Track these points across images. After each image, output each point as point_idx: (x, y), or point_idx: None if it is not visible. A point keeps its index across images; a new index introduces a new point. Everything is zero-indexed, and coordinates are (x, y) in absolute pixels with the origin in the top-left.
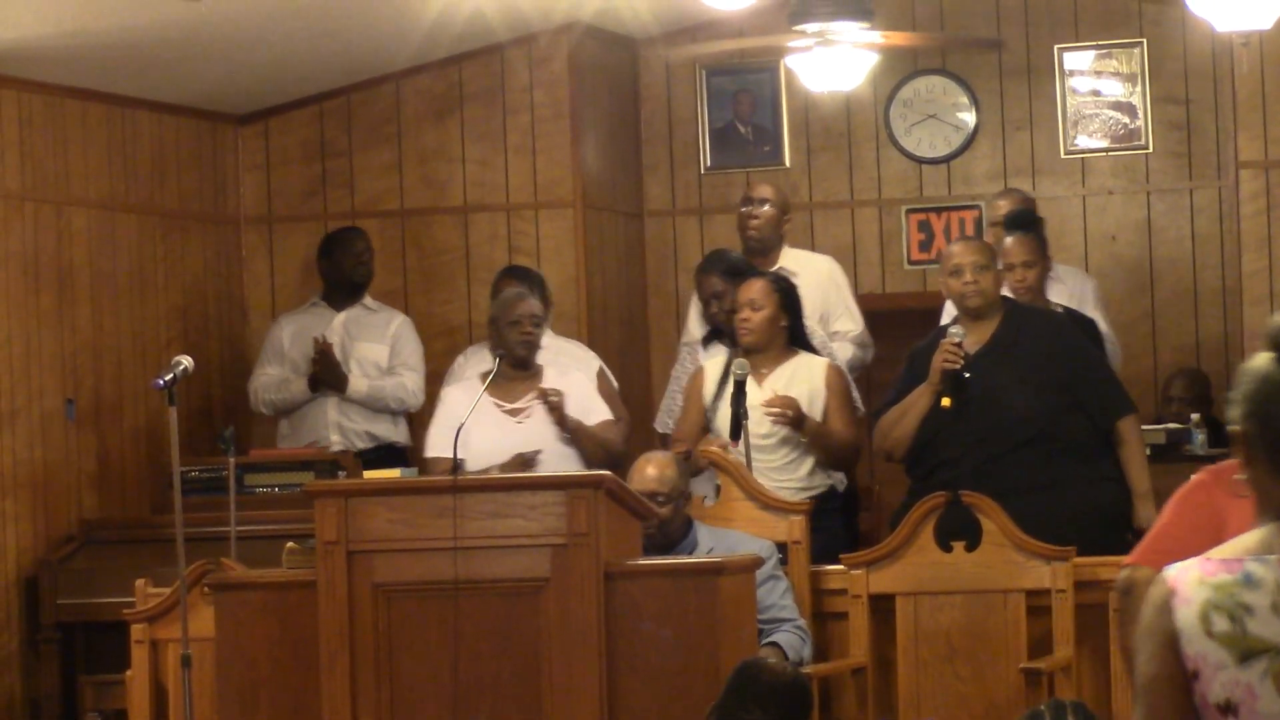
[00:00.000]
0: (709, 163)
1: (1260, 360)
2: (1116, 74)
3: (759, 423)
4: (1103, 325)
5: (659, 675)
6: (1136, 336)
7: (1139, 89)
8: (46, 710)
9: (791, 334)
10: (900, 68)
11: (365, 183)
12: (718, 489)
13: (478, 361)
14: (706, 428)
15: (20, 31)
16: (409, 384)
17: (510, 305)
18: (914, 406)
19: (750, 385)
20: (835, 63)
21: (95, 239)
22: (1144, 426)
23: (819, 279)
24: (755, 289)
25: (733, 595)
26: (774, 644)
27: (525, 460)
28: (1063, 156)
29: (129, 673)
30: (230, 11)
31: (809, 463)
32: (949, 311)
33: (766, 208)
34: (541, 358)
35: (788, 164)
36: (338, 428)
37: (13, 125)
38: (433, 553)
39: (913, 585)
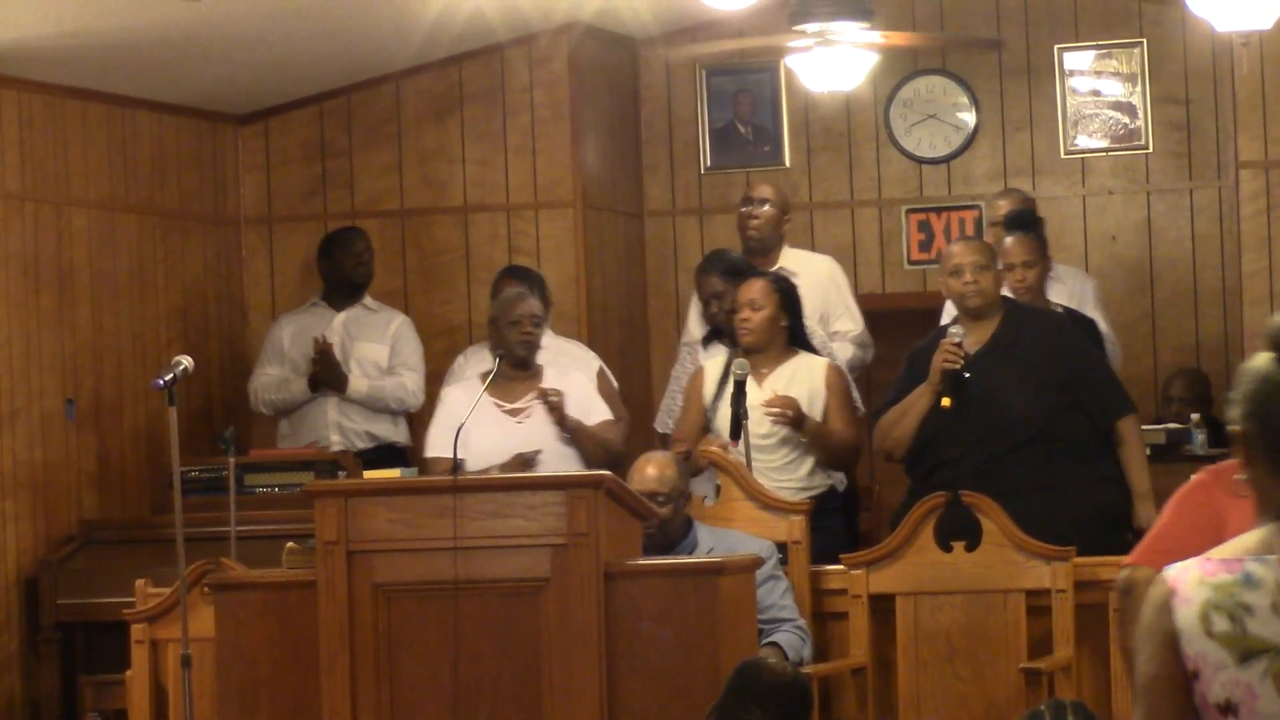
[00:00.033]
0: (709, 163)
1: (1260, 360)
2: (1116, 74)
3: (759, 422)
4: (1103, 325)
5: (659, 675)
6: (1136, 336)
7: (1139, 89)
8: (46, 710)
9: (792, 334)
10: (900, 68)
11: (365, 183)
12: (718, 489)
13: (478, 362)
14: (707, 428)
15: (20, 31)
16: (409, 384)
17: (510, 305)
18: (914, 406)
19: (750, 385)
20: (835, 63)
21: (95, 239)
22: (1144, 426)
23: (819, 279)
24: (755, 289)
25: (733, 595)
26: (774, 644)
27: (525, 460)
28: (1063, 157)
29: (129, 673)
30: (230, 11)
31: (809, 463)
32: (949, 311)
33: (766, 207)
34: (542, 358)
35: (788, 164)
36: (338, 428)
37: (13, 125)
38: (433, 553)
39: (913, 585)
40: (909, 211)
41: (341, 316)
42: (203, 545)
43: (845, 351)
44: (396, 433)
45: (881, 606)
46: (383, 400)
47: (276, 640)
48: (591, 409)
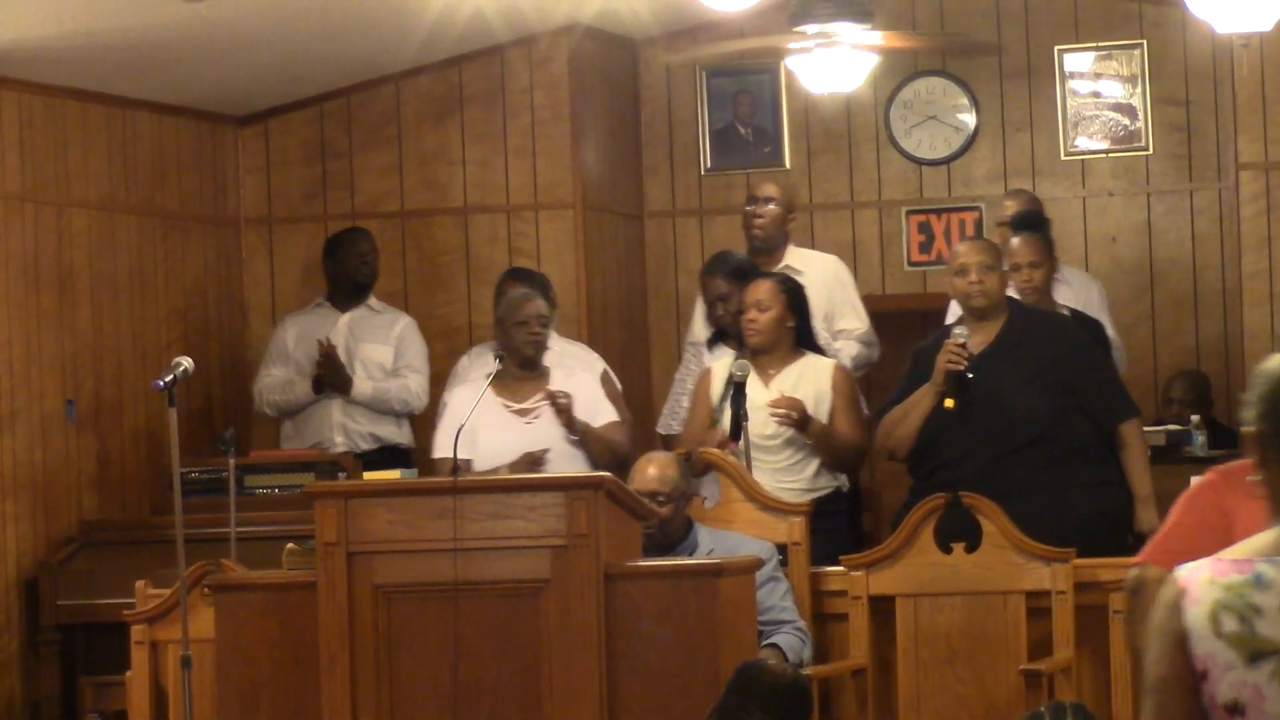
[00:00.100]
0: (709, 164)
1: (1274, 361)
2: (1117, 75)
3: (764, 423)
4: (1109, 329)
5: (659, 677)
6: (1137, 338)
7: (1139, 90)
8: (46, 711)
9: (799, 335)
10: (900, 69)
11: (365, 184)
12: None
13: (482, 363)
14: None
15: (20, 32)
16: (413, 386)
17: (517, 306)
18: (917, 406)
19: (758, 386)
20: (835, 64)
21: (95, 240)
22: (1144, 428)
23: (824, 278)
24: (762, 290)
25: (733, 597)
26: (774, 645)
27: (534, 459)
28: (1063, 158)
29: (129, 674)
30: (230, 13)
31: (815, 464)
32: (954, 311)
33: (771, 206)
34: (547, 359)
35: (788, 165)
36: (342, 429)
37: (13, 126)
38: (433, 554)
39: (913, 587)
40: (909, 213)
41: (346, 318)
42: (203, 546)
43: (850, 350)
44: (400, 434)
45: (881, 608)
46: (387, 402)
47: (276, 641)
48: (598, 410)
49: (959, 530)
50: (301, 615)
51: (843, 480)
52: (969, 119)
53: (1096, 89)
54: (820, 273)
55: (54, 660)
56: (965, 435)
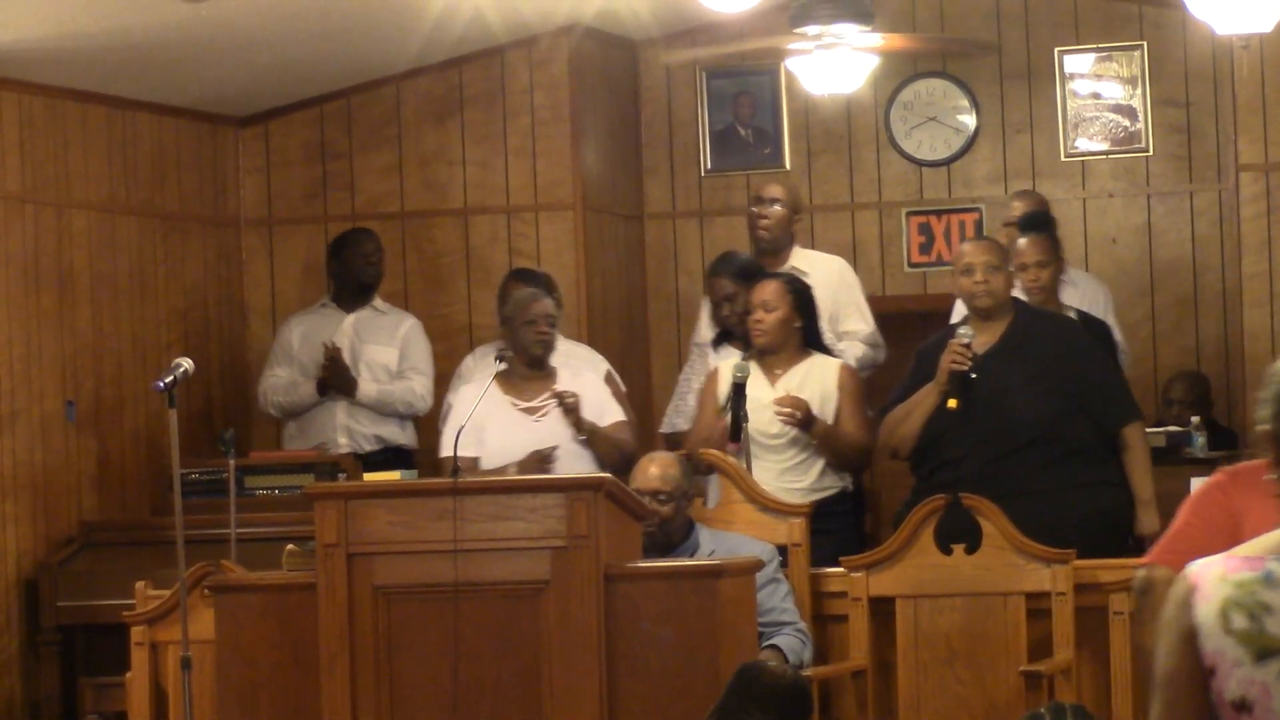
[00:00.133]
0: (709, 165)
1: None
2: (1117, 77)
3: (770, 423)
4: (1116, 332)
5: (659, 678)
6: (1137, 339)
7: (1139, 92)
8: (46, 712)
9: (805, 335)
10: (900, 70)
11: (366, 185)
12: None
13: (486, 364)
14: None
15: (20, 33)
16: (417, 388)
17: (526, 305)
18: (920, 405)
19: (764, 386)
20: (835, 65)
21: (95, 241)
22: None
23: (829, 279)
24: (769, 290)
25: (733, 598)
26: (774, 647)
27: (543, 457)
28: (1063, 159)
29: (129, 675)
30: (230, 13)
31: (820, 464)
32: (959, 311)
33: (777, 207)
34: (553, 359)
35: (788, 166)
36: (346, 430)
37: (13, 127)
38: (433, 555)
39: (913, 588)
40: (909, 214)
41: (351, 318)
42: (203, 547)
43: (855, 351)
44: (404, 435)
45: (881, 609)
46: (391, 405)
47: (276, 642)
48: (605, 410)
49: (959, 531)
50: (301, 616)
51: (848, 481)
52: (969, 120)
53: (1097, 90)
54: (825, 274)
55: (54, 661)
56: (967, 435)
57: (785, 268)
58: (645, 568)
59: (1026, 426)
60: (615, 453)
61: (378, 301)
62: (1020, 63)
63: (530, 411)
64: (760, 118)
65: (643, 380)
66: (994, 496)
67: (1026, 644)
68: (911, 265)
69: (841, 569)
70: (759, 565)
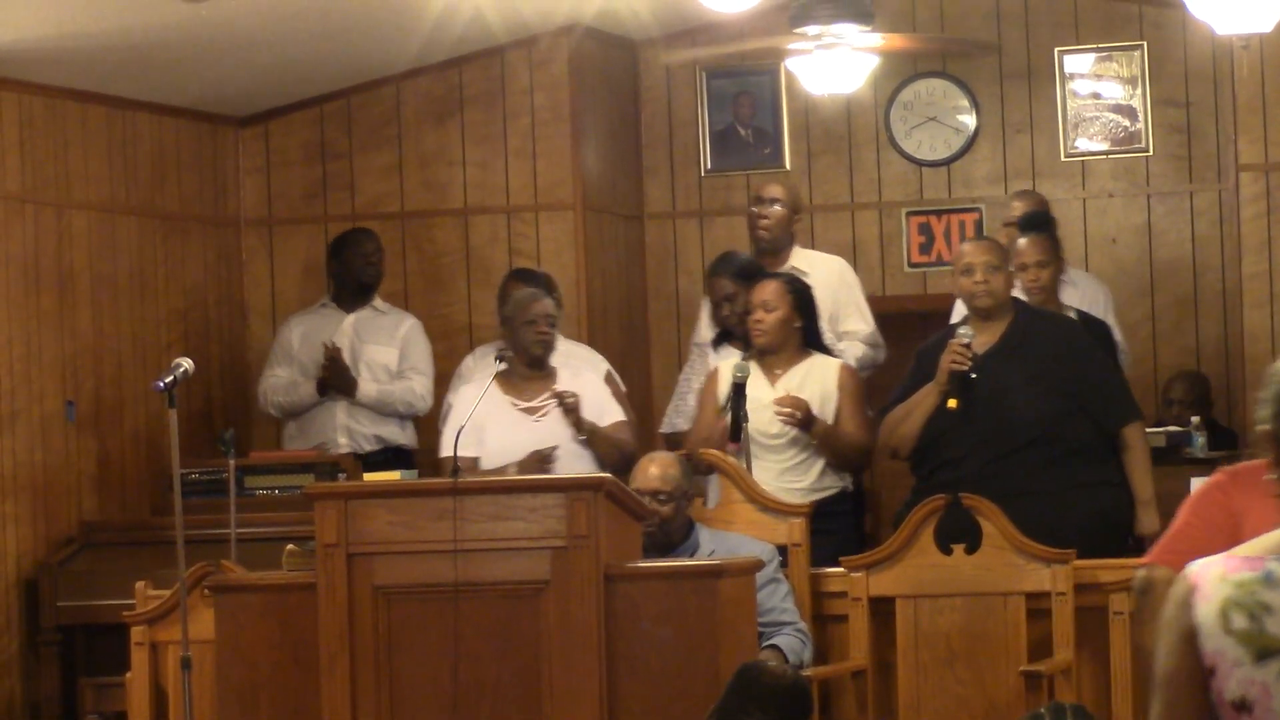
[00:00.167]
0: (709, 165)
1: None
2: (1117, 77)
3: (770, 423)
4: (1116, 332)
5: (659, 678)
6: (1137, 339)
7: (1139, 92)
8: (46, 712)
9: (806, 335)
10: (900, 70)
11: (366, 185)
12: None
13: (486, 364)
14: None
15: (20, 33)
16: (417, 388)
17: (526, 305)
18: (920, 405)
19: (764, 386)
20: (835, 65)
21: (95, 241)
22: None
23: (829, 279)
24: (769, 290)
25: (733, 598)
26: (774, 647)
27: (543, 457)
28: (1063, 159)
29: (129, 675)
30: (230, 13)
31: (820, 464)
32: (959, 311)
33: (777, 207)
34: (553, 359)
35: (788, 166)
36: (346, 430)
37: (13, 127)
38: (433, 555)
39: (913, 588)
40: (909, 214)
41: (351, 318)
42: (203, 547)
43: (855, 351)
44: (404, 435)
45: (881, 609)
46: (392, 405)
47: (276, 642)
48: (605, 410)
49: (959, 531)
50: (301, 616)
51: (848, 481)
52: (969, 120)
53: (1097, 90)
54: (825, 274)
55: (54, 661)
56: (967, 435)
57: (785, 268)
58: (645, 568)
59: (1026, 426)
60: (615, 453)
61: (378, 301)
62: (1020, 63)
63: (530, 411)
64: (760, 118)
65: (643, 380)
66: (994, 496)
67: (1026, 644)
68: (911, 265)
69: (841, 569)
70: (759, 565)
